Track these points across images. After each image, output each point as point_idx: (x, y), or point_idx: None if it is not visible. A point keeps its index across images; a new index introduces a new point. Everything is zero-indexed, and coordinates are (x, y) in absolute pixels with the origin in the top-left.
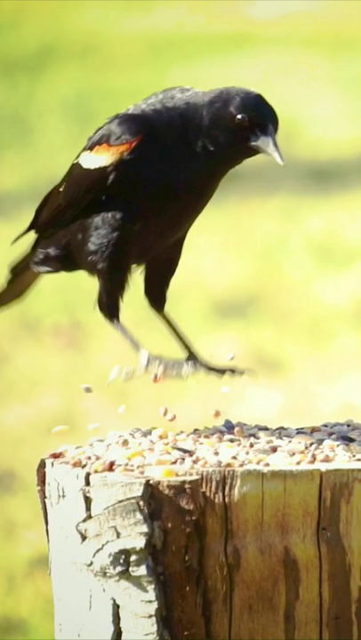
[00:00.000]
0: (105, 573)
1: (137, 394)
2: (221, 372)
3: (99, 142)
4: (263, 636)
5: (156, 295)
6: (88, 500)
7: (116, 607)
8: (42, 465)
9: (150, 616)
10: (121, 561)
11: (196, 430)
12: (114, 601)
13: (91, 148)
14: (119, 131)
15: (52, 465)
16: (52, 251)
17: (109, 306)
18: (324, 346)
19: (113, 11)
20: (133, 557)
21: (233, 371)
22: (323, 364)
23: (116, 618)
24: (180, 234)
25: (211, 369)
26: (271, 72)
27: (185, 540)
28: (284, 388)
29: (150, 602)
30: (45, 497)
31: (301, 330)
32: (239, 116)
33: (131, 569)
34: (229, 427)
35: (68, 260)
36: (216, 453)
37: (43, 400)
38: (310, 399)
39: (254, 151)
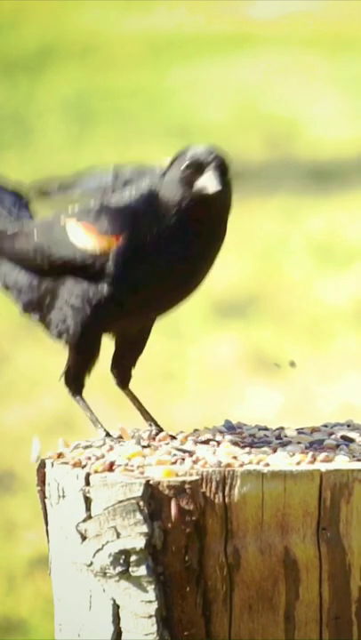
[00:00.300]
0: (105, 573)
1: (137, 394)
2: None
3: (87, 220)
4: (263, 636)
5: (123, 374)
6: (88, 501)
7: (116, 607)
8: (42, 465)
9: (150, 616)
10: (121, 561)
11: (196, 430)
12: (114, 601)
13: (79, 218)
14: (105, 224)
15: (52, 465)
16: (13, 292)
17: (74, 380)
18: (324, 346)
19: (113, 11)
20: (133, 557)
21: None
22: (323, 363)
23: (116, 618)
24: (159, 314)
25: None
26: (271, 72)
27: (185, 540)
28: (284, 388)
29: (150, 602)
30: (45, 497)
31: (301, 330)
32: (182, 167)
33: (131, 569)
34: (229, 427)
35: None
36: (216, 453)
37: (43, 400)
38: (310, 399)
39: (203, 196)
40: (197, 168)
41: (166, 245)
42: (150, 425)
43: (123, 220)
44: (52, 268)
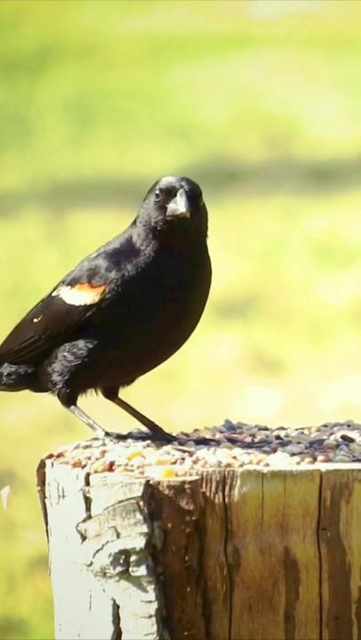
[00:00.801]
0: (105, 573)
1: (137, 394)
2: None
3: (80, 281)
4: (263, 636)
5: (109, 391)
6: (88, 501)
7: (116, 607)
8: (42, 465)
9: (150, 616)
10: (121, 561)
11: (195, 430)
12: (114, 601)
13: (72, 284)
14: (97, 272)
15: (52, 465)
16: (21, 369)
17: (66, 396)
18: (324, 346)
19: (113, 11)
20: (133, 557)
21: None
22: (323, 363)
23: (116, 618)
24: (160, 361)
25: (173, 439)
26: (271, 72)
27: (185, 540)
28: (284, 388)
29: (150, 602)
30: (45, 497)
31: (301, 330)
32: (156, 192)
33: (131, 569)
34: (229, 427)
35: (34, 379)
36: (216, 453)
37: (43, 400)
38: (310, 399)
39: (175, 217)
40: (169, 193)
41: (152, 281)
42: (152, 428)
43: (106, 268)
44: (61, 338)
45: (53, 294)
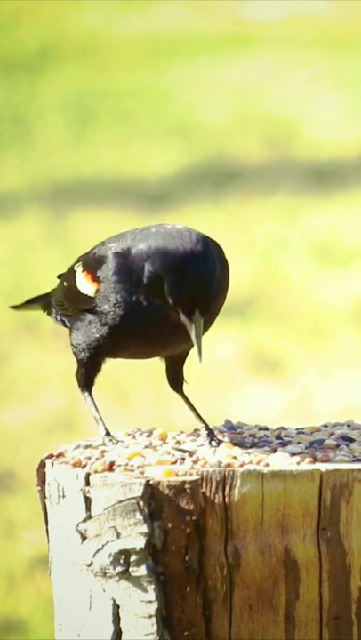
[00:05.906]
0: (105, 573)
1: (137, 394)
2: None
3: (88, 268)
4: (263, 636)
5: (172, 378)
6: (88, 500)
7: (116, 607)
8: (42, 465)
9: (150, 616)
10: (121, 561)
11: (196, 430)
12: (114, 601)
13: (83, 267)
14: (97, 267)
15: (52, 465)
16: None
17: (83, 379)
18: (324, 346)
19: (113, 11)
20: (133, 557)
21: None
22: (323, 364)
23: (116, 618)
24: (171, 349)
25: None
26: (271, 72)
27: (185, 540)
28: (285, 388)
29: (150, 602)
30: (45, 497)
31: (301, 330)
32: (170, 300)
33: (131, 569)
34: (229, 427)
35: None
36: (216, 453)
37: (43, 400)
38: (310, 399)
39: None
40: (180, 305)
41: (140, 307)
42: (204, 429)
43: (105, 267)
44: (74, 309)
45: (75, 268)
